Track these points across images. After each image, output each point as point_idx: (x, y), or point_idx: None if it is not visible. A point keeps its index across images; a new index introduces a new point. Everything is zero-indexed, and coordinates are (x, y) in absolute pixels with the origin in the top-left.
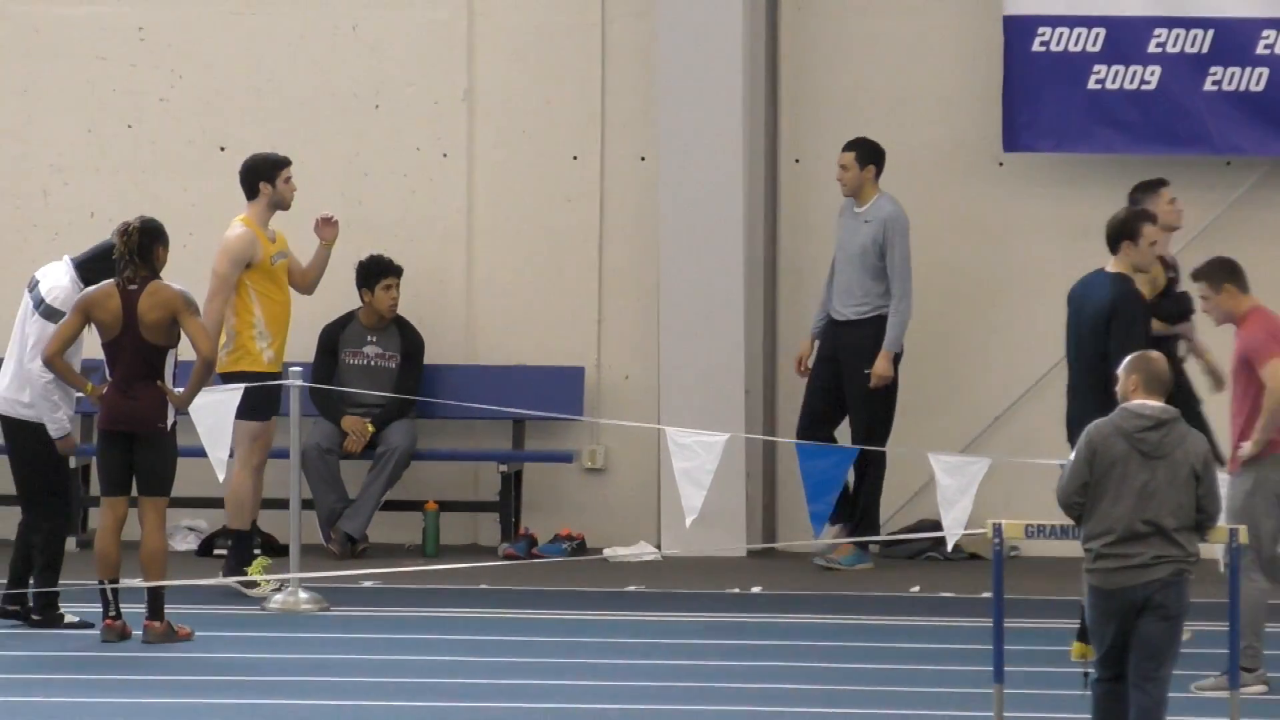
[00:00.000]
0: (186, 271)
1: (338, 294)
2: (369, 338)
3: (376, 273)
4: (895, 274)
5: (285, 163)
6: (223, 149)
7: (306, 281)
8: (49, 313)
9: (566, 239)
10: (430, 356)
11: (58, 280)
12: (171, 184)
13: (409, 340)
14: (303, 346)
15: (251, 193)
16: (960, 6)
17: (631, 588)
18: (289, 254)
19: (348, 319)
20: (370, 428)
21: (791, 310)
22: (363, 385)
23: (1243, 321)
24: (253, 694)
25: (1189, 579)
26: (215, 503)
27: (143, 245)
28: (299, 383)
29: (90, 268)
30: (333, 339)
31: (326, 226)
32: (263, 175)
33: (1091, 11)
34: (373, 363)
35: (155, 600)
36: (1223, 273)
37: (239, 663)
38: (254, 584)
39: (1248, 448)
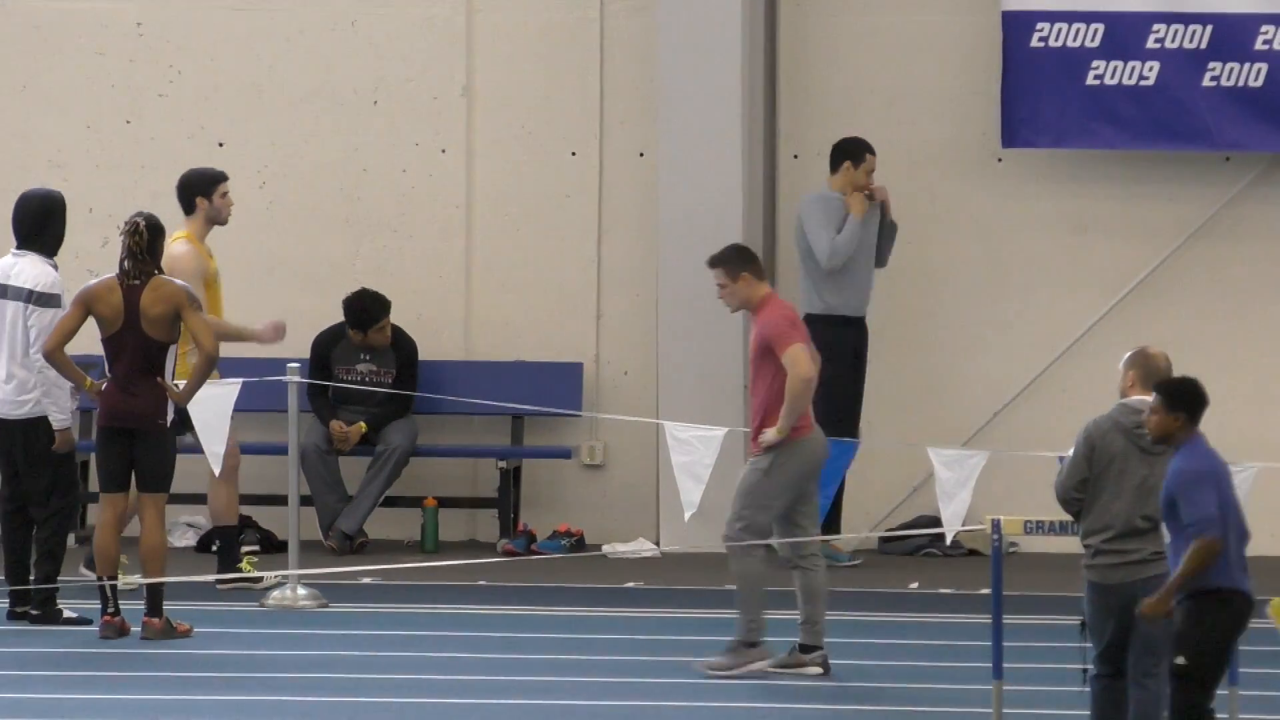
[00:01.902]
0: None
1: (336, 291)
2: (361, 355)
3: (370, 319)
4: None
5: (222, 178)
6: (221, 145)
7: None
8: (44, 300)
9: (565, 235)
10: (429, 353)
11: (34, 269)
12: (171, 180)
13: (403, 354)
14: (299, 341)
15: (188, 208)
16: (959, 2)
17: (630, 584)
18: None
19: (339, 333)
20: (363, 426)
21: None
22: (355, 400)
23: (760, 308)
24: (251, 690)
25: None
26: None
27: (151, 242)
28: (296, 379)
29: (43, 241)
30: (324, 353)
31: (272, 332)
32: (199, 191)
33: (1090, 7)
34: (366, 379)
35: (154, 597)
36: (740, 261)
37: (238, 659)
38: (259, 578)
39: (770, 434)
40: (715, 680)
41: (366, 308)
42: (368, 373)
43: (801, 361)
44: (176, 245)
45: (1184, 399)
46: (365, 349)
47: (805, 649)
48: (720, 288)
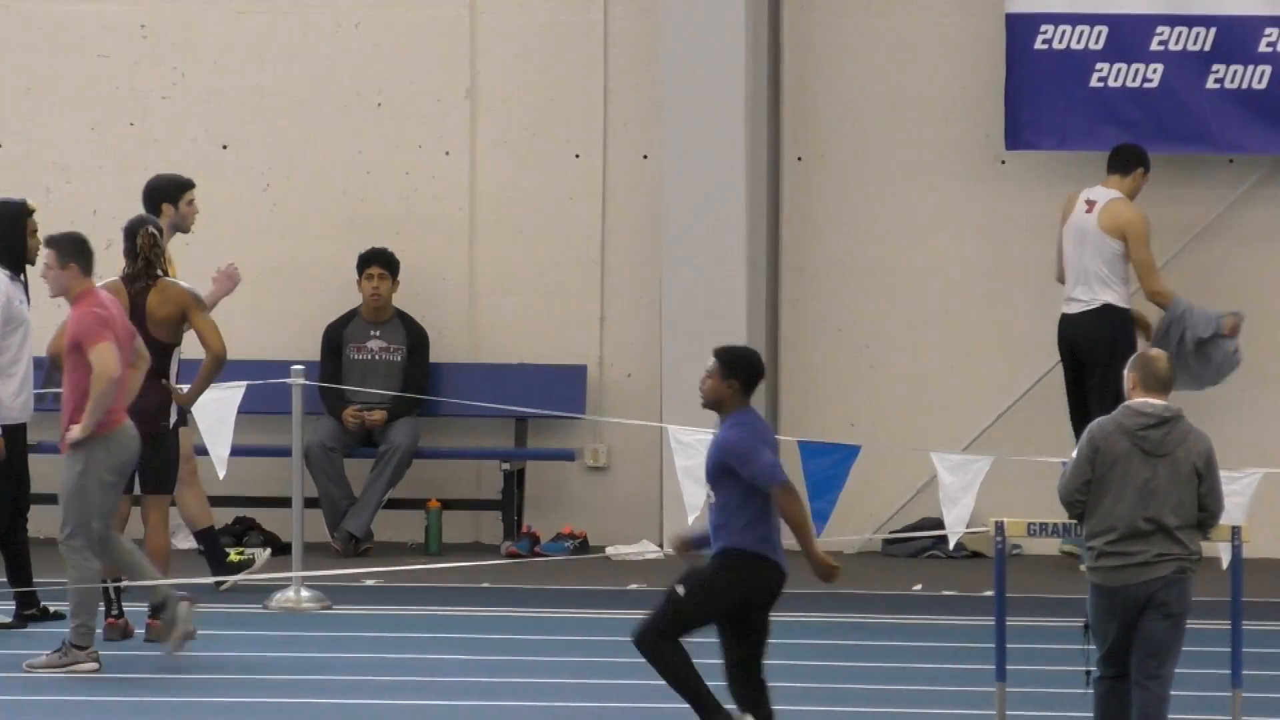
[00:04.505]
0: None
1: (340, 292)
2: (372, 332)
3: (361, 263)
4: None
5: (189, 185)
6: (225, 147)
7: None
8: None
9: (569, 237)
10: (433, 354)
11: None
12: None
13: (413, 333)
14: (306, 345)
15: (153, 213)
16: (963, 5)
17: (634, 586)
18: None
19: (350, 316)
20: (381, 415)
21: (793, 308)
22: (368, 380)
23: (76, 302)
24: (255, 692)
25: (1191, 577)
26: (218, 500)
27: (162, 247)
28: (301, 381)
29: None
30: (336, 336)
31: (223, 279)
32: (166, 196)
33: (1094, 9)
34: (377, 356)
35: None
36: (73, 249)
37: (241, 661)
38: (245, 565)
39: (76, 431)
40: (717, 684)
41: (364, 253)
42: (379, 349)
43: (108, 360)
44: None
45: (740, 367)
46: (374, 324)
47: (76, 646)
48: (48, 268)
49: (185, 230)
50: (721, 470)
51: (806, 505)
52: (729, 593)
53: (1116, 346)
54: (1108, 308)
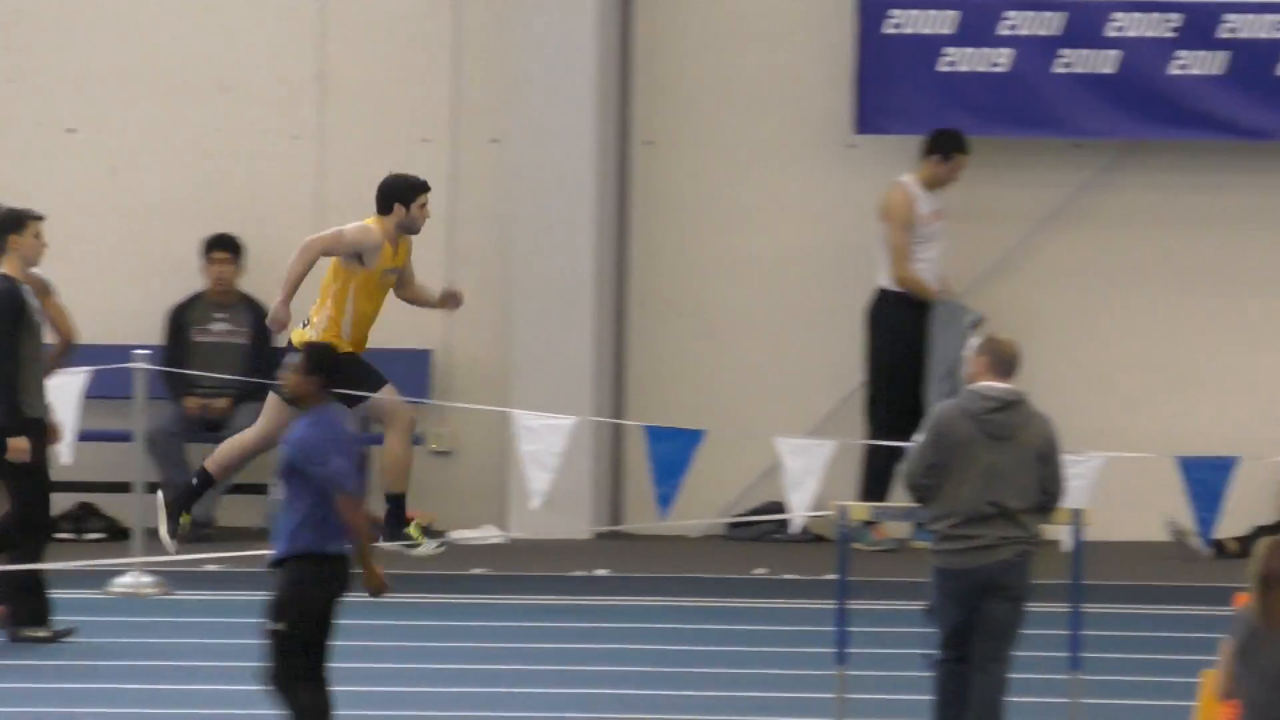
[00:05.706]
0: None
1: (186, 276)
2: (216, 315)
3: (205, 247)
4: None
5: (424, 188)
6: (71, 131)
7: (409, 296)
8: None
9: None
10: (277, 339)
11: None
12: (20, 167)
13: (260, 316)
14: (149, 328)
15: (385, 209)
16: None
17: (476, 570)
18: (403, 270)
19: (194, 299)
20: (226, 402)
21: (641, 293)
22: (212, 363)
23: None
24: (93, 678)
25: (1032, 560)
26: (59, 486)
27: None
28: (144, 365)
29: None
30: (180, 318)
31: (450, 299)
32: (398, 197)
33: None
34: (221, 340)
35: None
36: None
37: (80, 647)
38: (417, 544)
39: None
40: (559, 668)
41: (217, 233)
42: (223, 333)
43: None
44: (363, 223)
45: (321, 364)
46: (219, 307)
47: None
48: None
49: (414, 232)
50: (293, 469)
51: (366, 516)
52: (321, 601)
53: (874, 323)
54: (878, 290)
